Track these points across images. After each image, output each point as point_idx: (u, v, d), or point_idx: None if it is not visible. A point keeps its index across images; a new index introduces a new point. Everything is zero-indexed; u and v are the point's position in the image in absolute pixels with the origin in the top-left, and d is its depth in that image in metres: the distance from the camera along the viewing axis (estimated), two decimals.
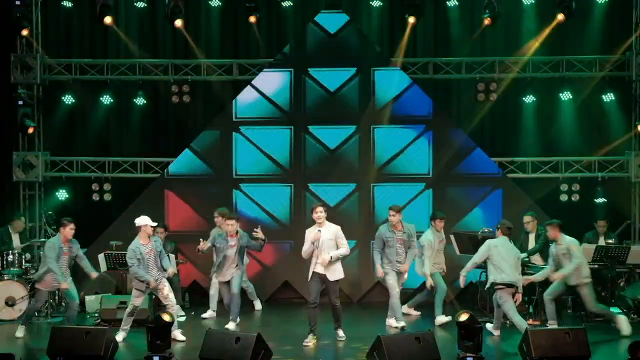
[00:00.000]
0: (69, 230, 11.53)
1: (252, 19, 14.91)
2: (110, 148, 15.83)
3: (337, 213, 14.54)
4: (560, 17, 14.46)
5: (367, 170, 15.00)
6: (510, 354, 10.61)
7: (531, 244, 13.17)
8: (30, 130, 14.95)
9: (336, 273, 11.10)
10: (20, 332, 11.76)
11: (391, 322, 12.17)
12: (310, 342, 11.03)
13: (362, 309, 14.19)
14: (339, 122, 15.06)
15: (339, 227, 11.18)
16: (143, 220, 11.34)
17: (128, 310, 11.43)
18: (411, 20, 14.74)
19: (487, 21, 14.59)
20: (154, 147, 15.74)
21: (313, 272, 11.09)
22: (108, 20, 14.80)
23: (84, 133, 15.74)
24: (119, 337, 11.10)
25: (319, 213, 11.07)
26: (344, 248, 11.11)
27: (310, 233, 11.10)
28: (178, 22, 14.79)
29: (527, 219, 13.26)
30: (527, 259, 12.88)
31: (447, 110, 15.27)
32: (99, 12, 14.67)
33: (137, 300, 11.36)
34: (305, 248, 11.11)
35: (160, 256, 11.39)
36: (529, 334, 9.74)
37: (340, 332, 11.36)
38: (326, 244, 10.99)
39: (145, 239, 11.28)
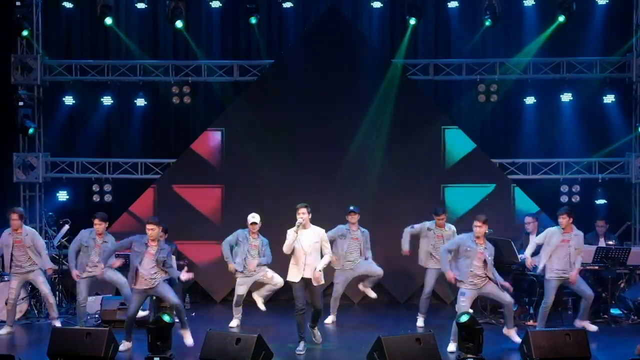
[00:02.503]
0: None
1: (253, 20, 14.91)
2: (111, 149, 15.82)
3: None
4: (561, 18, 14.48)
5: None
6: (510, 355, 10.60)
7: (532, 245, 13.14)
8: (31, 131, 14.95)
9: (321, 279, 10.62)
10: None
11: None
12: (303, 350, 10.57)
13: (362, 310, 14.18)
14: None
15: (323, 231, 10.68)
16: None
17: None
18: (412, 21, 14.75)
19: (487, 22, 14.60)
20: (155, 148, 15.73)
21: (302, 277, 10.49)
22: (109, 21, 14.81)
23: (84, 134, 15.74)
24: (234, 323, 11.97)
25: (303, 215, 10.46)
26: (328, 255, 10.62)
27: (291, 231, 10.55)
28: (179, 23, 14.80)
29: (528, 219, 13.26)
30: None
31: (448, 111, 15.27)
32: (100, 12, 14.68)
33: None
34: (289, 242, 10.44)
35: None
36: (529, 335, 9.73)
37: (317, 332, 10.99)
38: (312, 248, 10.47)
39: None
